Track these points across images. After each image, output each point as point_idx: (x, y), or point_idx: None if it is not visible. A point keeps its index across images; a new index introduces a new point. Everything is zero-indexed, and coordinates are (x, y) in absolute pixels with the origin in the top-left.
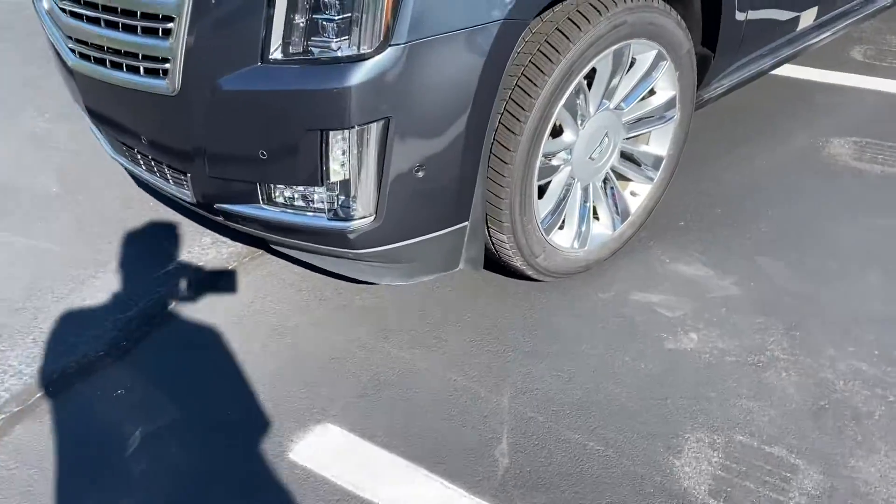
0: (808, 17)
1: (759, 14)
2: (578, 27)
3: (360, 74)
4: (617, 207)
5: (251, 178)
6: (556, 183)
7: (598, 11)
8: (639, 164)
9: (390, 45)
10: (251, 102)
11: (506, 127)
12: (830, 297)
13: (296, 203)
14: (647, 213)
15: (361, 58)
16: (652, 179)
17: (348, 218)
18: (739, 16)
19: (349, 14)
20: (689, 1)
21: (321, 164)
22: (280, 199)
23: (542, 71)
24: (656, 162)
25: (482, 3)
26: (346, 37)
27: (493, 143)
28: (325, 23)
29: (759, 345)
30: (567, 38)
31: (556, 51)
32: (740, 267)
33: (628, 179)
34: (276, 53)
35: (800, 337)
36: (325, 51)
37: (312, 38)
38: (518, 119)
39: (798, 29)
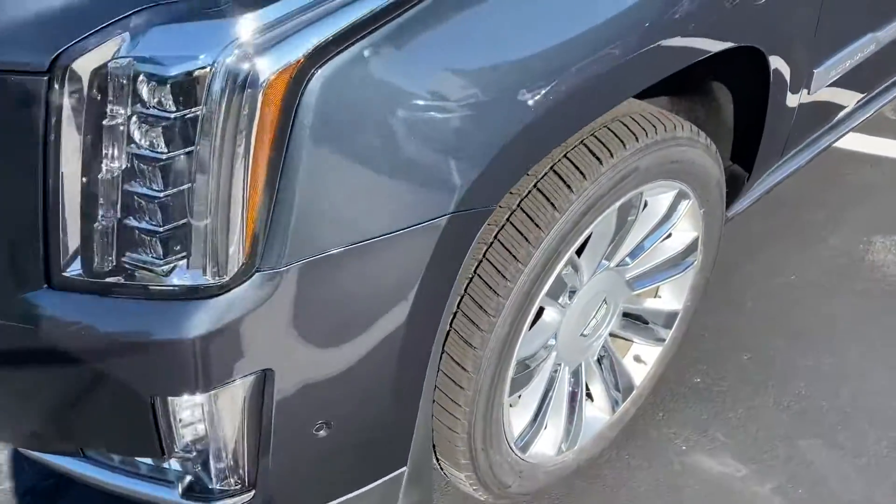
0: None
1: (816, 96)
2: (569, 187)
3: (207, 319)
4: (617, 383)
5: (54, 438)
6: (537, 382)
7: (599, 160)
8: (646, 323)
9: (258, 271)
10: (39, 344)
11: (462, 339)
12: None
13: (135, 461)
14: (656, 380)
15: (211, 291)
16: (663, 341)
17: (211, 497)
18: (791, 100)
19: (183, 221)
20: (716, 107)
21: (158, 435)
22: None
23: (514, 256)
24: (669, 319)
25: (416, 193)
26: (183, 255)
27: (441, 358)
28: (143, 234)
29: None
30: (552, 204)
31: (536, 225)
32: (781, 458)
33: (630, 340)
34: (71, 270)
35: None
36: (148, 275)
37: (128, 254)
38: (479, 327)
39: (847, 109)
